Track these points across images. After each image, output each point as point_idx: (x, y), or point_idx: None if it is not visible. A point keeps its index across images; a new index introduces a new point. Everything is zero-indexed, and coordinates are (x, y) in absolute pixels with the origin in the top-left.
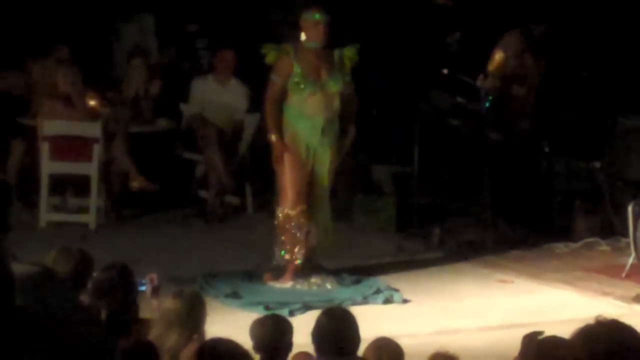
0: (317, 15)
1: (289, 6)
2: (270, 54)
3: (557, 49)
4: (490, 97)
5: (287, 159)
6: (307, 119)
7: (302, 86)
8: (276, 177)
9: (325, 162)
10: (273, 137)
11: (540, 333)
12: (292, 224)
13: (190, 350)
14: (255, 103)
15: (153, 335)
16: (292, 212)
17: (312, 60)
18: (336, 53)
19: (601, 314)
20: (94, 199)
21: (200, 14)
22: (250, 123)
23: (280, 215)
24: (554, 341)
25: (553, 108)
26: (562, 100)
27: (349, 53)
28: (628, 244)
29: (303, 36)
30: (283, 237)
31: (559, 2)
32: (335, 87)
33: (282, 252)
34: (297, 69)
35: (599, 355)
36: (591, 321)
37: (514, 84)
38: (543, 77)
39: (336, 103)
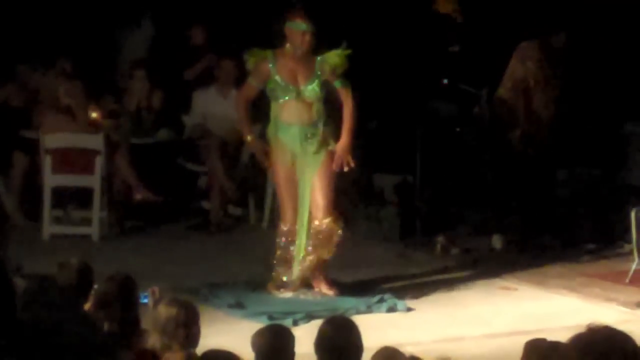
0: (304, 26)
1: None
2: (250, 60)
3: (576, 59)
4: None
5: (275, 169)
6: (285, 127)
7: (277, 93)
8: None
9: (308, 171)
10: (248, 138)
11: (543, 340)
12: (290, 239)
13: (178, 358)
14: (257, 113)
15: (148, 344)
16: (290, 228)
17: (291, 67)
18: (318, 59)
19: (593, 321)
20: (97, 211)
21: (202, 24)
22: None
23: (279, 231)
24: (556, 347)
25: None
26: (566, 108)
27: (330, 60)
28: (631, 250)
29: (289, 47)
30: (279, 253)
31: (566, 11)
32: (311, 94)
33: (278, 268)
34: (274, 75)
35: None
36: (583, 329)
37: (533, 95)
38: (563, 88)
39: (315, 110)
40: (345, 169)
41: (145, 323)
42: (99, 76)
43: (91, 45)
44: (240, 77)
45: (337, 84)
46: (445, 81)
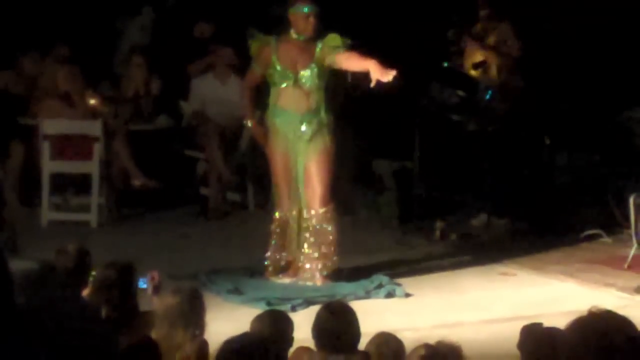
0: (306, 9)
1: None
2: (253, 46)
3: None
4: (490, 91)
5: (272, 156)
6: (282, 112)
7: (275, 78)
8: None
9: (301, 159)
10: (249, 122)
11: (539, 324)
12: (287, 226)
13: (193, 347)
14: (256, 99)
15: (158, 334)
16: (286, 215)
17: (292, 53)
18: (318, 44)
19: (595, 305)
20: (95, 198)
21: (200, 11)
22: None
23: (275, 217)
24: (552, 332)
25: (555, 100)
26: (563, 93)
27: (330, 42)
28: (630, 236)
29: (292, 33)
30: (275, 240)
31: None
32: (307, 80)
33: (274, 254)
34: (274, 61)
35: (593, 346)
36: (584, 313)
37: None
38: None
39: (313, 98)
40: (389, 78)
41: (151, 311)
42: (97, 62)
43: (89, 32)
44: (239, 64)
45: (339, 51)
46: (446, 64)
